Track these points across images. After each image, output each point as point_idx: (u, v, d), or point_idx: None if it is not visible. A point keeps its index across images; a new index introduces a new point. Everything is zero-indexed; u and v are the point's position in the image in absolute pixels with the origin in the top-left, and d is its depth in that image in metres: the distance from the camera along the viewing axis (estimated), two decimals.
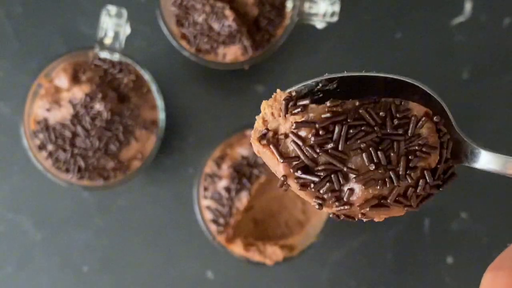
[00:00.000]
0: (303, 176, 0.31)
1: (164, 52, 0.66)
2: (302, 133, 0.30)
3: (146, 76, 0.61)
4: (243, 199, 0.61)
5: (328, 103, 0.30)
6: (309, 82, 0.32)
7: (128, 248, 0.67)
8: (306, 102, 0.31)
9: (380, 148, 0.30)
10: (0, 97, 0.66)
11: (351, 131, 0.30)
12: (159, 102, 0.62)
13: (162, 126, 0.62)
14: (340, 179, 0.30)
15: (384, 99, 0.31)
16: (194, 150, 0.67)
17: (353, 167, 0.30)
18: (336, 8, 0.60)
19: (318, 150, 0.30)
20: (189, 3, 0.60)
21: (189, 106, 0.67)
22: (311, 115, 0.30)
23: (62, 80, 0.60)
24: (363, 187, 0.30)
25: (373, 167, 0.30)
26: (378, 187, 0.30)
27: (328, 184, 0.30)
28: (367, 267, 0.67)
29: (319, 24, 0.62)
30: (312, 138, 0.30)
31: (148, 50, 0.67)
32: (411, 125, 0.31)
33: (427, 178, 0.31)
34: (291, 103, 0.31)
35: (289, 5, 0.62)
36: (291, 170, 0.31)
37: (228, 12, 0.59)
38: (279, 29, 0.62)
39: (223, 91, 0.68)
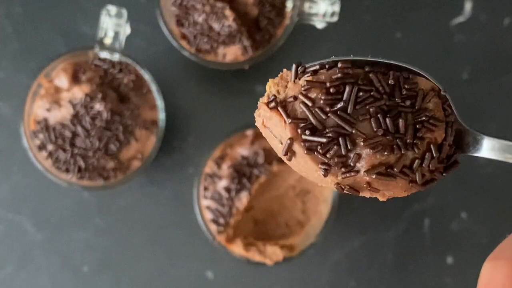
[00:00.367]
0: (311, 138, 0.30)
1: (164, 52, 0.66)
2: (312, 94, 0.30)
3: (146, 76, 0.61)
4: (243, 199, 0.61)
5: (339, 64, 0.30)
6: (316, 63, 0.32)
7: (128, 248, 0.67)
8: (315, 67, 0.31)
9: (388, 116, 0.30)
10: (0, 97, 0.66)
11: (360, 93, 0.30)
12: (159, 102, 0.62)
13: (162, 126, 0.62)
14: (348, 143, 0.30)
15: (393, 72, 0.31)
16: (194, 150, 0.67)
17: (360, 136, 0.30)
18: (336, 8, 0.60)
19: (327, 111, 0.30)
20: (189, 3, 0.60)
21: (189, 106, 0.67)
22: (321, 76, 0.30)
23: (62, 80, 0.60)
24: (370, 151, 0.30)
25: (381, 132, 0.30)
26: (386, 153, 0.30)
27: (335, 147, 0.30)
28: (367, 267, 0.67)
29: (319, 24, 0.62)
30: (322, 98, 0.30)
31: (148, 50, 0.67)
32: (418, 98, 0.31)
33: (433, 151, 0.31)
34: (300, 69, 0.31)
35: (289, 5, 0.62)
36: (299, 131, 0.30)
37: (228, 12, 0.59)
38: (279, 29, 0.62)
39: (223, 91, 0.68)
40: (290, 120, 0.30)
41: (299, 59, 0.69)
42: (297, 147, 0.30)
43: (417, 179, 0.31)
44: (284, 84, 0.32)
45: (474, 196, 0.68)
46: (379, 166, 0.30)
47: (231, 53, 0.61)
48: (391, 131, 0.30)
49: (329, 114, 0.30)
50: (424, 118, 0.31)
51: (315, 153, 0.30)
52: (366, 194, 0.31)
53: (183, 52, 0.61)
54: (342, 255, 0.67)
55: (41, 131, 0.59)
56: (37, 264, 0.66)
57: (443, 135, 0.31)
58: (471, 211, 0.68)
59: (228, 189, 0.61)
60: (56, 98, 0.60)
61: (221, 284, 0.67)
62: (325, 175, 0.30)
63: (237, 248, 0.61)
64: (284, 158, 0.31)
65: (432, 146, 0.31)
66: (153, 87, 0.62)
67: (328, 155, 0.30)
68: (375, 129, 0.30)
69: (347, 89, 0.30)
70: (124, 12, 0.59)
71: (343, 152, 0.30)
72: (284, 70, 0.32)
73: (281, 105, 0.31)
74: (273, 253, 0.61)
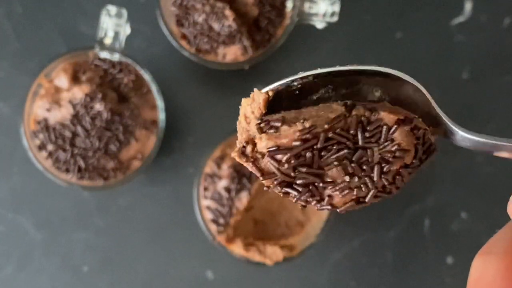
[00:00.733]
0: (284, 190, 0.32)
1: (164, 52, 0.66)
2: (277, 156, 0.32)
3: (146, 76, 0.61)
4: (243, 199, 0.61)
5: (297, 132, 0.31)
6: (285, 81, 0.33)
7: (128, 248, 0.67)
8: (277, 124, 0.31)
9: (353, 159, 0.31)
10: (0, 97, 0.66)
11: (323, 153, 0.31)
12: (159, 102, 0.62)
13: (162, 126, 0.62)
14: (319, 189, 0.32)
15: (356, 108, 0.32)
16: (194, 150, 0.67)
17: (329, 179, 0.31)
18: (336, 8, 0.60)
19: (293, 170, 0.31)
20: (189, 3, 0.60)
21: (189, 106, 0.67)
22: (283, 140, 0.31)
23: (62, 80, 0.60)
24: (341, 194, 0.32)
25: (348, 178, 0.31)
26: (355, 193, 0.32)
27: (307, 193, 0.32)
28: (367, 267, 0.67)
29: (319, 24, 0.62)
30: (286, 160, 0.31)
31: (148, 50, 0.67)
32: (383, 134, 0.31)
33: (403, 173, 0.32)
34: (263, 124, 0.32)
35: (289, 5, 0.62)
36: (271, 185, 0.32)
37: (228, 12, 0.59)
38: (279, 29, 0.62)
39: (223, 91, 0.68)
40: (262, 178, 0.32)
41: (299, 59, 0.69)
42: (275, 190, 0.33)
43: (392, 193, 0.32)
44: (257, 106, 0.33)
45: (474, 196, 0.68)
46: (351, 201, 0.32)
47: (231, 53, 0.61)
48: (358, 174, 0.31)
49: (296, 172, 0.31)
50: (389, 155, 0.31)
51: (291, 197, 0.32)
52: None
53: (183, 52, 0.61)
54: (342, 255, 0.67)
55: (41, 131, 0.59)
56: (37, 264, 0.66)
57: (412, 157, 0.32)
58: (471, 211, 0.68)
59: (228, 189, 0.61)
60: (56, 98, 0.60)
61: (221, 284, 0.67)
62: (303, 208, 0.33)
63: (237, 248, 0.61)
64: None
65: (401, 170, 0.32)
66: (153, 87, 0.62)
67: (301, 200, 0.32)
68: (342, 175, 0.31)
69: (308, 154, 0.31)
70: (124, 12, 0.59)
71: (316, 196, 0.32)
72: (255, 90, 0.33)
73: (253, 158, 0.32)
74: (273, 253, 0.61)
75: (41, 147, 0.60)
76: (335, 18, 0.61)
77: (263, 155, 0.32)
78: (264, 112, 0.32)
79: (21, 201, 0.66)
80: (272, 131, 0.32)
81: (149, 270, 0.67)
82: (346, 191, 0.31)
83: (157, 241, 0.67)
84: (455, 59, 0.68)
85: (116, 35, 0.60)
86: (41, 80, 0.60)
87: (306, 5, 0.61)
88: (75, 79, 0.60)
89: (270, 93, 0.33)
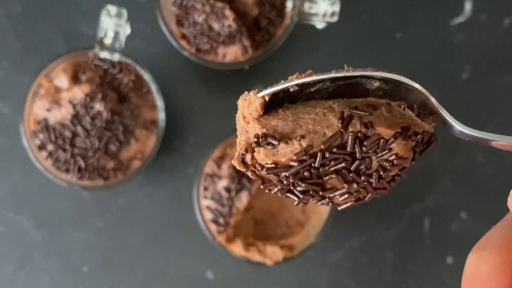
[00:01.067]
0: (284, 195, 0.33)
1: (164, 52, 0.66)
2: (274, 172, 0.32)
3: (146, 76, 0.61)
4: (243, 199, 0.61)
5: (295, 152, 0.31)
6: (281, 87, 0.33)
7: (128, 248, 0.67)
8: (275, 142, 0.32)
9: (352, 169, 0.31)
10: (0, 97, 0.66)
11: (321, 169, 0.31)
12: (159, 102, 0.62)
13: (162, 126, 0.62)
14: (320, 194, 0.32)
15: (353, 123, 0.32)
16: (194, 150, 0.67)
17: (329, 186, 0.32)
18: (336, 8, 0.60)
19: (293, 181, 0.32)
20: (189, 3, 0.60)
21: (189, 106, 0.67)
22: (281, 159, 0.31)
23: (62, 80, 0.60)
24: (341, 197, 0.32)
25: (346, 186, 0.32)
26: (354, 197, 0.32)
27: (308, 197, 0.32)
28: (367, 267, 0.67)
29: (319, 24, 0.62)
30: (285, 179, 0.32)
31: (148, 50, 0.67)
32: (380, 146, 0.32)
33: (402, 175, 0.32)
34: (261, 140, 0.32)
35: (289, 5, 0.62)
36: (271, 190, 0.33)
37: (228, 12, 0.59)
38: (279, 29, 0.62)
39: (223, 91, 0.68)
40: (262, 186, 0.33)
41: (299, 59, 0.69)
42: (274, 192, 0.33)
43: (388, 190, 0.33)
44: (254, 108, 0.33)
45: (474, 196, 0.68)
46: (351, 202, 0.33)
47: (231, 53, 0.61)
48: (357, 181, 0.32)
49: (295, 184, 0.32)
50: (386, 163, 0.32)
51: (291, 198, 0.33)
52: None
53: (183, 52, 0.61)
54: (342, 255, 0.67)
55: (41, 131, 0.59)
56: (37, 264, 0.66)
57: (410, 162, 0.32)
58: (471, 211, 0.68)
59: (228, 189, 0.61)
60: (56, 98, 0.60)
61: (221, 284, 0.67)
62: (304, 205, 0.33)
63: (237, 248, 0.61)
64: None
65: (400, 172, 0.32)
66: (153, 87, 0.62)
67: (302, 201, 0.33)
68: (341, 184, 0.32)
69: (306, 174, 0.31)
70: (124, 12, 0.59)
71: (316, 199, 0.32)
72: (252, 93, 0.33)
73: (252, 166, 0.33)
74: (273, 253, 0.61)
75: (41, 147, 0.60)
76: (335, 18, 0.61)
77: (262, 166, 0.32)
78: (261, 114, 0.32)
79: (21, 201, 0.66)
80: (269, 147, 0.32)
81: (149, 270, 0.67)
82: (346, 196, 0.32)
83: (157, 241, 0.67)
84: (455, 59, 0.68)
85: (116, 35, 0.60)
86: (41, 80, 0.60)
87: (306, 5, 0.61)
88: (75, 79, 0.60)
89: (267, 98, 0.33)
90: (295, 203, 0.32)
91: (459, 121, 0.32)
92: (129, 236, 0.67)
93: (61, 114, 0.59)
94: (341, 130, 0.31)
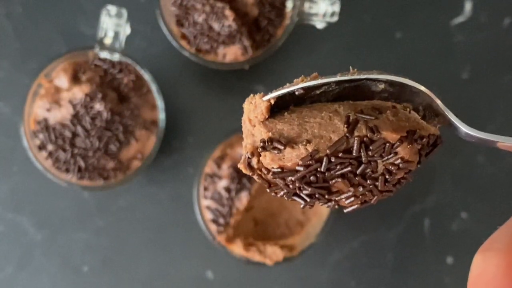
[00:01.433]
0: (290, 198, 0.33)
1: (164, 52, 0.66)
2: (280, 176, 0.32)
3: (146, 76, 0.61)
4: (243, 199, 0.61)
5: (300, 157, 0.31)
6: (287, 90, 0.33)
7: (128, 248, 0.67)
8: (280, 147, 0.32)
9: (357, 172, 0.31)
10: (0, 97, 0.66)
11: (326, 174, 0.31)
12: (159, 102, 0.62)
13: (162, 126, 0.62)
14: (326, 197, 0.32)
15: (357, 134, 0.31)
16: (194, 150, 0.67)
17: (335, 189, 0.32)
18: (336, 8, 0.60)
19: (299, 185, 0.32)
20: (189, 3, 0.60)
21: (189, 106, 0.67)
22: (287, 163, 0.32)
23: (62, 80, 0.60)
24: (347, 200, 0.32)
25: (352, 190, 0.32)
26: (360, 200, 0.32)
27: (314, 200, 0.32)
28: (367, 267, 0.67)
29: (319, 24, 0.62)
30: (291, 183, 0.32)
31: (148, 50, 0.67)
32: (385, 150, 0.32)
33: (408, 178, 0.32)
34: (267, 144, 0.32)
35: (289, 5, 0.62)
36: (277, 194, 0.33)
37: (228, 12, 0.59)
38: (279, 29, 0.62)
39: (223, 91, 0.68)
40: (269, 189, 0.33)
41: (299, 59, 0.69)
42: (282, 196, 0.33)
43: (393, 192, 0.33)
44: (259, 111, 0.33)
45: (474, 196, 0.68)
46: (356, 204, 0.33)
47: (231, 53, 0.61)
48: (363, 184, 0.32)
49: (301, 188, 0.32)
50: (392, 167, 0.32)
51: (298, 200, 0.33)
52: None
53: (183, 52, 0.61)
54: (342, 255, 0.67)
55: (41, 131, 0.59)
56: (37, 264, 0.66)
57: (415, 165, 0.32)
58: (471, 211, 0.68)
59: (228, 189, 0.61)
60: (56, 98, 0.60)
61: (221, 284, 0.67)
62: (310, 208, 0.33)
63: (237, 248, 0.61)
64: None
65: (406, 175, 0.32)
66: (153, 87, 0.62)
67: (310, 204, 0.33)
68: (347, 187, 0.32)
69: (312, 178, 0.32)
70: (124, 12, 0.59)
71: (322, 202, 0.33)
72: (257, 96, 0.33)
73: (258, 170, 0.33)
74: (273, 253, 0.61)
75: (41, 147, 0.60)
76: (335, 18, 0.61)
77: (268, 170, 0.32)
78: (267, 117, 0.32)
79: (21, 201, 0.66)
80: (275, 151, 0.32)
81: (149, 270, 0.67)
82: (352, 199, 0.32)
83: (157, 241, 0.67)
84: (455, 59, 0.68)
85: (116, 35, 0.60)
86: (41, 80, 0.60)
87: (306, 5, 0.61)
88: (75, 79, 0.60)
89: (272, 101, 0.33)
90: (301, 206, 0.32)
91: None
92: (129, 236, 0.67)
93: (61, 114, 0.59)
94: (347, 134, 0.31)
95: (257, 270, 0.66)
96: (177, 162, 0.67)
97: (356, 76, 0.32)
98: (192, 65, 0.64)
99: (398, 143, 0.31)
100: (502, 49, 0.68)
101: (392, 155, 0.31)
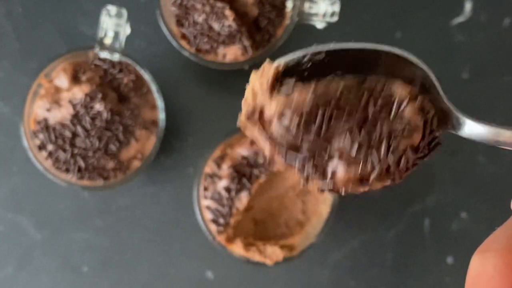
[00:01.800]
0: (288, 159, 0.32)
1: (164, 52, 0.66)
2: (286, 118, 0.31)
3: (146, 76, 0.61)
4: (243, 199, 0.61)
5: (311, 89, 0.31)
6: (297, 54, 0.32)
7: (128, 248, 0.67)
8: (290, 82, 0.31)
9: (362, 129, 0.31)
10: (0, 97, 0.66)
11: (333, 115, 0.31)
12: (159, 102, 0.62)
13: (162, 126, 0.62)
14: (324, 161, 0.31)
15: (369, 79, 0.32)
16: (194, 150, 0.67)
17: (336, 150, 0.31)
18: (336, 8, 0.60)
19: (301, 137, 0.31)
20: (189, 3, 0.60)
21: (189, 106, 0.67)
22: (294, 99, 0.31)
23: (62, 80, 0.60)
24: (346, 168, 0.31)
25: (355, 150, 0.31)
26: (360, 168, 0.31)
27: (311, 166, 0.31)
28: (367, 267, 0.67)
29: (319, 24, 0.62)
30: (295, 125, 0.31)
31: (148, 50, 0.67)
32: (394, 107, 0.31)
33: (409, 155, 0.32)
34: (277, 84, 0.32)
35: (289, 5, 0.62)
36: (276, 152, 0.32)
37: (228, 12, 0.59)
38: (279, 29, 0.62)
39: (223, 91, 0.68)
40: (268, 142, 0.32)
41: None
42: (278, 160, 0.32)
43: (395, 179, 0.32)
44: (266, 79, 0.32)
45: (474, 196, 0.68)
46: (355, 179, 0.31)
47: (231, 53, 0.61)
48: (366, 145, 0.31)
49: (303, 138, 0.31)
50: (400, 127, 0.31)
51: (294, 168, 0.32)
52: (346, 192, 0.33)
53: (183, 52, 0.61)
54: (342, 255, 0.67)
55: (41, 131, 0.59)
56: (37, 264, 0.66)
57: (420, 137, 0.32)
58: (471, 211, 0.68)
59: (228, 189, 0.61)
60: (56, 98, 0.60)
61: (221, 284, 0.67)
62: (305, 184, 0.32)
63: (237, 248, 0.61)
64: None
65: (408, 151, 0.32)
66: (153, 87, 0.62)
67: (305, 171, 0.32)
68: (349, 148, 0.31)
69: (319, 114, 0.31)
70: (124, 12, 0.59)
71: (320, 170, 0.32)
72: (266, 63, 0.33)
73: (260, 122, 0.32)
74: (273, 253, 0.61)
75: (41, 147, 0.60)
76: (335, 18, 0.61)
77: (270, 122, 0.32)
78: (273, 85, 0.32)
79: (21, 201, 0.66)
80: (284, 92, 0.31)
81: (149, 270, 0.67)
82: (352, 165, 0.31)
83: (157, 241, 0.67)
84: (455, 59, 0.68)
85: (116, 35, 0.60)
86: (41, 80, 0.60)
87: (306, 5, 0.61)
88: (75, 79, 0.60)
89: (281, 68, 0.32)
90: (297, 172, 0.31)
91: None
92: (129, 236, 0.67)
93: (61, 114, 0.59)
94: (357, 83, 0.31)
95: (257, 270, 0.66)
96: (177, 162, 0.67)
97: (370, 46, 0.33)
98: (192, 65, 0.64)
99: (407, 101, 0.31)
100: (502, 49, 0.68)
101: (398, 119, 0.31)
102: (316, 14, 0.61)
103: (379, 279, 0.67)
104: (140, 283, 0.67)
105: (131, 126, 0.60)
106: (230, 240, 0.61)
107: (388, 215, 0.68)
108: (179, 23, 0.62)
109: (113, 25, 0.59)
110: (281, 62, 0.32)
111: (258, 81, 0.32)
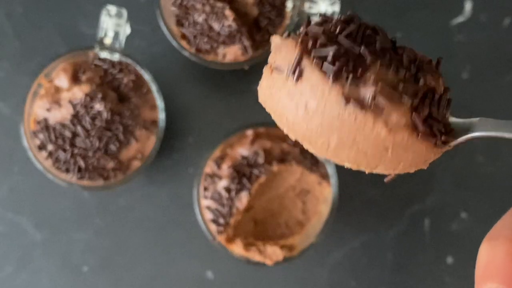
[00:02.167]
0: (321, 49, 0.31)
1: (164, 52, 0.66)
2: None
3: (146, 76, 0.61)
4: (243, 199, 0.61)
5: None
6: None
7: (128, 248, 0.67)
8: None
9: (392, 62, 0.33)
10: (0, 97, 0.66)
11: (367, 32, 0.33)
12: (159, 102, 0.62)
13: (162, 126, 0.62)
14: (356, 62, 0.31)
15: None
16: (194, 150, 0.67)
17: (369, 66, 0.32)
18: (336, 8, 0.60)
19: (337, 34, 0.32)
20: (189, 3, 0.60)
21: (189, 106, 0.67)
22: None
23: (62, 80, 0.60)
24: (377, 69, 0.31)
25: (388, 57, 0.33)
26: (391, 70, 0.32)
27: (344, 57, 0.31)
28: (367, 267, 0.67)
29: None
30: (331, 29, 0.33)
31: (148, 50, 0.67)
32: (417, 59, 0.34)
33: (435, 94, 0.33)
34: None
35: (289, 5, 0.62)
36: (309, 45, 0.31)
37: (228, 12, 0.59)
38: (279, 29, 0.62)
39: (223, 91, 0.68)
40: (301, 39, 0.31)
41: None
42: (306, 62, 0.31)
43: (437, 134, 0.32)
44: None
45: (474, 196, 0.68)
46: (385, 81, 0.31)
47: (231, 53, 0.61)
48: (397, 66, 0.32)
49: (339, 37, 0.32)
50: (423, 66, 0.33)
51: (325, 62, 0.31)
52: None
53: (183, 52, 0.61)
54: (342, 255, 0.67)
55: (41, 131, 0.59)
56: (37, 264, 0.66)
57: (442, 88, 0.33)
58: (471, 211, 0.68)
59: (228, 189, 0.61)
60: (56, 98, 0.60)
61: (221, 284, 0.67)
62: (334, 80, 0.30)
63: (237, 248, 0.61)
64: (291, 85, 0.32)
65: (435, 90, 0.33)
66: (153, 87, 0.62)
67: (337, 62, 0.30)
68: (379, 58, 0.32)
69: (352, 26, 0.33)
70: (124, 12, 0.59)
71: (352, 63, 0.31)
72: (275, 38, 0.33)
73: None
74: (273, 253, 0.61)
75: (41, 147, 0.60)
76: None
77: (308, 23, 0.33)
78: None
79: (21, 201, 0.66)
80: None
81: (149, 270, 0.67)
82: (383, 66, 0.31)
83: (157, 241, 0.67)
84: (455, 59, 0.68)
85: (116, 35, 0.60)
86: (41, 80, 0.60)
87: (306, 5, 0.61)
88: (75, 79, 0.60)
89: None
90: (330, 56, 0.30)
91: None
92: (129, 236, 0.67)
93: (61, 114, 0.59)
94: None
95: (257, 270, 0.66)
96: (177, 162, 0.67)
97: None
98: (192, 65, 0.64)
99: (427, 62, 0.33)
100: (502, 49, 0.68)
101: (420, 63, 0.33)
102: (316, 14, 0.61)
103: (379, 279, 0.67)
104: (140, 283, 0.67)
105: (131, 126, 0.60)
106: (230, 240, 0.61)
107: (388, 215, 0.68)
108: (179, 23, 0.62)
109: (113, 25, 0.59)
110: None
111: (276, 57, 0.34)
